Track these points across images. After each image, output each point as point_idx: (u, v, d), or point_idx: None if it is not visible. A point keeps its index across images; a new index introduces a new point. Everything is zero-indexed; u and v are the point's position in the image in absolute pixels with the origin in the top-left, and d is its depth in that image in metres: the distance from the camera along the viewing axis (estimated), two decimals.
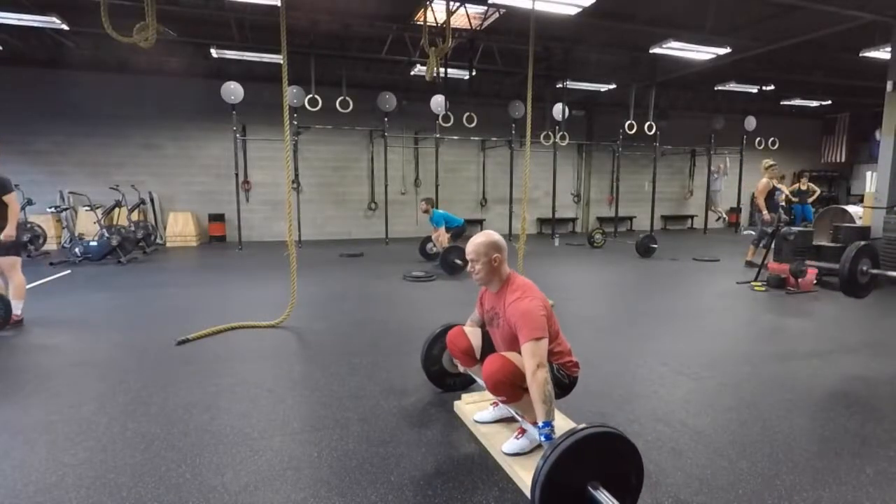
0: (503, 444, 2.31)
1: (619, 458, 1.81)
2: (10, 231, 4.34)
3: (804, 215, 11.12)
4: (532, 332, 2.10)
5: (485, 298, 2.51)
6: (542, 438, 2.01)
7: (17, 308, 4.46)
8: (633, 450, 1.82)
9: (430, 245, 8.39)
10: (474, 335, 2.60)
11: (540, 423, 2.02)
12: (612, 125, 12.79)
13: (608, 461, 1.80)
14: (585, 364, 3.60)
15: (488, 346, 2.54)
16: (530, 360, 2.06)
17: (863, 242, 4.11)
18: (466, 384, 3.05)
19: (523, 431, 2.32)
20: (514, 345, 2.24)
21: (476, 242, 2.33)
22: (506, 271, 2.37)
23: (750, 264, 7.64)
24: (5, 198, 4.33)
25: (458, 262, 6.98)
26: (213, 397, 2.99)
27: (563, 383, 2.32)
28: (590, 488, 1.74)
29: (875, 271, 4.08)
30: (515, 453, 2.26)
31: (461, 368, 2.81)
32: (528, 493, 2.03)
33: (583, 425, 1.79)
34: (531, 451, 2.27)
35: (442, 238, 7.75)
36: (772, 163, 7.37)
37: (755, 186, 7.58)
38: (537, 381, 2.02)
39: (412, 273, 6.86)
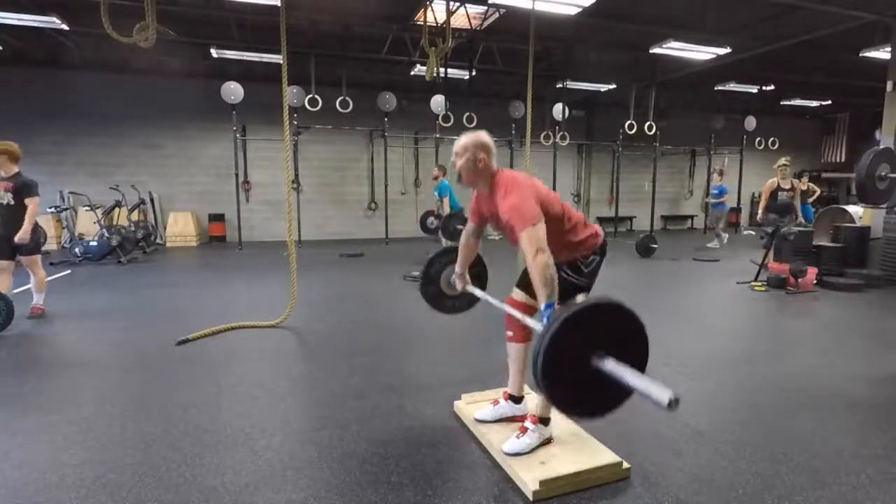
0: (504, 443, 2.30)
1: (624, 333, 1.78)
2: (23, 234, 4.50)
3: (804, 215, 11.13)
4: (524, 222, 2.03)
5: (481, 203, 2.41)
6: (545, 320, 1.93)
7: (40, 300, 4.81)
8: (640, 327, 1.82)
9: (430, 219, 8.35)
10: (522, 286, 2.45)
11: (542, 306, 1.96)
12: (612, 125, 12.79)
13: (614, 335, 1.75)
14: None
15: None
16: (528, 247, 2.00)
17: (882, 146, 3.70)
18: (467, 305, 2.93)
19: (524, 430, 2.31)
20: (513, 231, 2.17)
21: (463, 139, 2.27)
22: (491, 170, 2.27)
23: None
24: (27, 200, 4.58)
25: (460, 227, 6.89)
26: (213, 397, 2.99)
27: (587, 269, 2.36)
28: (595, 358, 1.68)
29: (895, 175, 3.63)
30: (516, 453, 2.25)
31: (460, 288, 2.71)
32: (528, 493, 2.03)
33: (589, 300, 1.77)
34: (532, 451, 2.27)
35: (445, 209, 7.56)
36: (783, 162, 7.11)
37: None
38: (537, 265, 1.97)
39: (412, 273, 6.85)
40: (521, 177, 2.21)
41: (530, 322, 2.13)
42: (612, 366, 1.66)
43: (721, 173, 10.59)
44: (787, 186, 7.07)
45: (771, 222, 6.82)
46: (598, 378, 1.68)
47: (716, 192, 10.37)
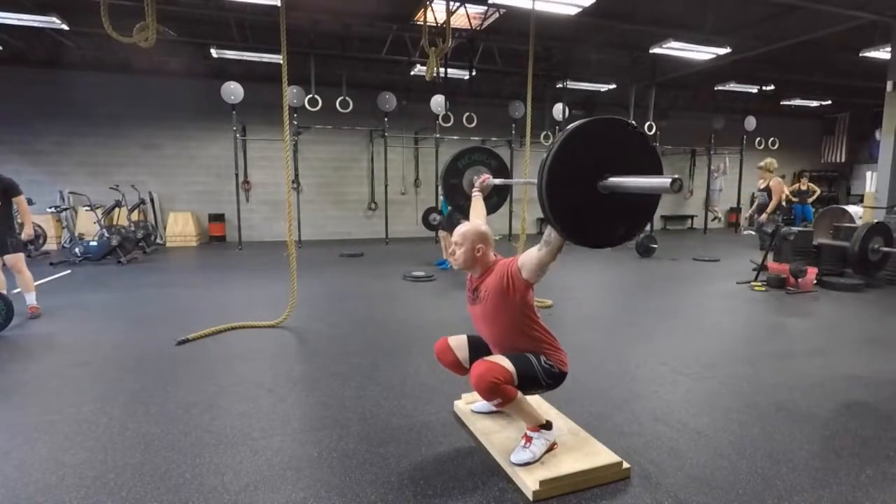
0: (512, 453, 2.24)
1: (631, 151, 1.76)
2: (29, 230, 4.71)
3: (804, 215, 11.14)
4: (514, 260, 2.15)
5: (470, 279, 2.46)
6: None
7: (32, 299, 4.76)
8: (652, 148, 1.79)
9: (433, 216, 8.37)
10: (459, 347, 2.51)
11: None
12: None
13: (620, 152, 1.74)
14: (585, 364, 3.61)
15: (475, 356, 2.42)
16: (532, 252, 2.04)
17: (876, 221, 4.03)
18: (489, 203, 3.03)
19: (529, 440, 2.26)
20: (495, 321, 2.25)
21: (464, 229, 2.33)
22: (490, 260, 2.34)
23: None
24: (14, 199, 4.62)
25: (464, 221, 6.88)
26: (213, 397, 2.99)
27: (553, 372, 2.23)
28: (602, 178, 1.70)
29: (887, 249, 3.91)
30: (526, 463, 2.18)
31: (477, 187, 2.90)
32: (528, 493, 2.03)
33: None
34: (540, 459, 2.22)
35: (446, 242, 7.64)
36: (763, 162, 7.10)
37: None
38: (546, 250, 1.98)
39: (412, 273, 6.85)
40: None
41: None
42: (614, 180, 1.69)
43: (720, 169, 10.53)
44: (763, 186, 7.10)
45: (770, 221, 6.86)
46: (605, 199, 1.72)
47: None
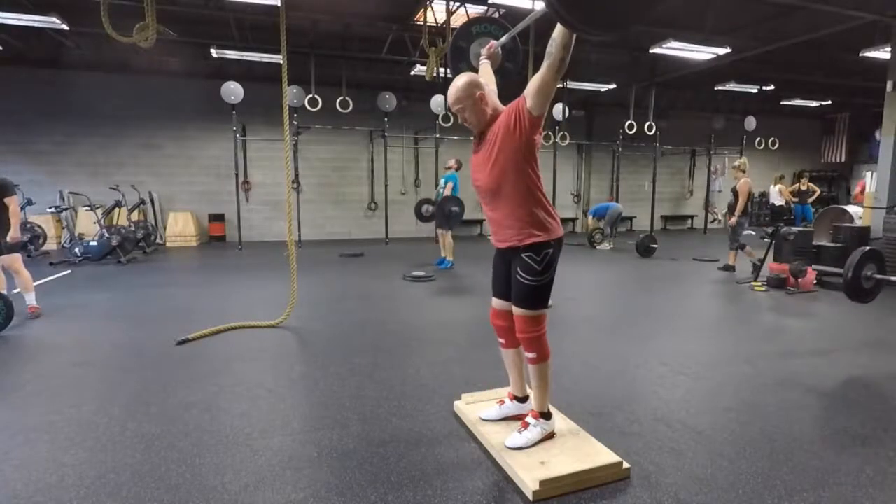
0: (507, 438, 2.31)
1: None
2: (14, 233, 4.57)
3: (804, 215, 11.17)
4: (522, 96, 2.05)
5: (473, 158, 2.41)
6: None
7: (31, 299, 4.74)
8: None
9: (425, 207, 8.38)
10: (501, 304, 2.45)
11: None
12: (611, 125, 12.79)
13: None
14: (585, 364, 3.62)
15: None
16: (535, 77, 1.95)
17: (868, 248, 4.03)
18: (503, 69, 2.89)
19: (526, 425, 2.33)
20: (495, 163, 2.17)
21: (455, 87, 2.20)
22: (497, 105, 2.26)
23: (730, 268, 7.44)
24: (6, 199, 4.52)
25: (456, 209, 6.81)
26: (213, 397, 2.99)
27: (550, 261, 2.23)
28: None
29: (880, 276, 3.99)
30: (519, 447, 2.27)
31: (485, 53, 2.76)
32: (528, 493, 2.03)
33: None
34: (535, 445, 2.29)
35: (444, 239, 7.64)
36: (738, 162, 7.21)
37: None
38: (546, 65, 1.90)
39: (412, 273, 6.85)
40: None
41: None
42: None
43: (718, 171, 10.56)
44: (733, 187, 7.23)
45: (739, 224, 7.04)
46: None
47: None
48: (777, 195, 11.11)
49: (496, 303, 2.47)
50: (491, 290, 2.49)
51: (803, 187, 11.30)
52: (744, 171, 6.97)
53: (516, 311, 2.27)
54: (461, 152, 12.52)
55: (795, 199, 11.41)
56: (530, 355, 2.28)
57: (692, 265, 8.19)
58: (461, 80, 2.21)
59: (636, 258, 8.89)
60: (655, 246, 9.07)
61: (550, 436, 2.36)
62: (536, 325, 2.24)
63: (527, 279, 2.21)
